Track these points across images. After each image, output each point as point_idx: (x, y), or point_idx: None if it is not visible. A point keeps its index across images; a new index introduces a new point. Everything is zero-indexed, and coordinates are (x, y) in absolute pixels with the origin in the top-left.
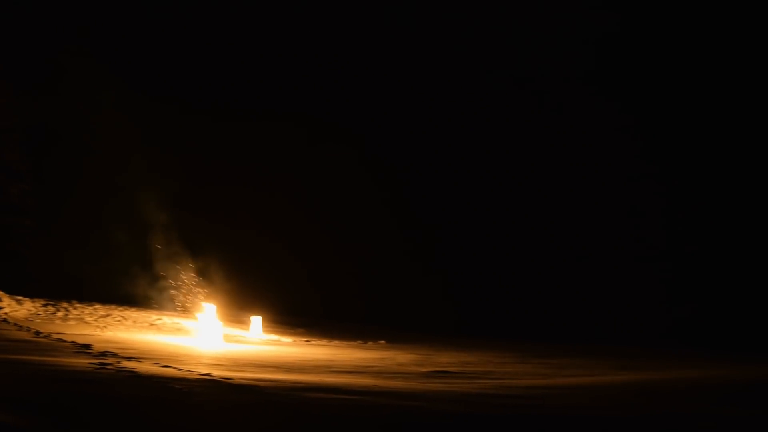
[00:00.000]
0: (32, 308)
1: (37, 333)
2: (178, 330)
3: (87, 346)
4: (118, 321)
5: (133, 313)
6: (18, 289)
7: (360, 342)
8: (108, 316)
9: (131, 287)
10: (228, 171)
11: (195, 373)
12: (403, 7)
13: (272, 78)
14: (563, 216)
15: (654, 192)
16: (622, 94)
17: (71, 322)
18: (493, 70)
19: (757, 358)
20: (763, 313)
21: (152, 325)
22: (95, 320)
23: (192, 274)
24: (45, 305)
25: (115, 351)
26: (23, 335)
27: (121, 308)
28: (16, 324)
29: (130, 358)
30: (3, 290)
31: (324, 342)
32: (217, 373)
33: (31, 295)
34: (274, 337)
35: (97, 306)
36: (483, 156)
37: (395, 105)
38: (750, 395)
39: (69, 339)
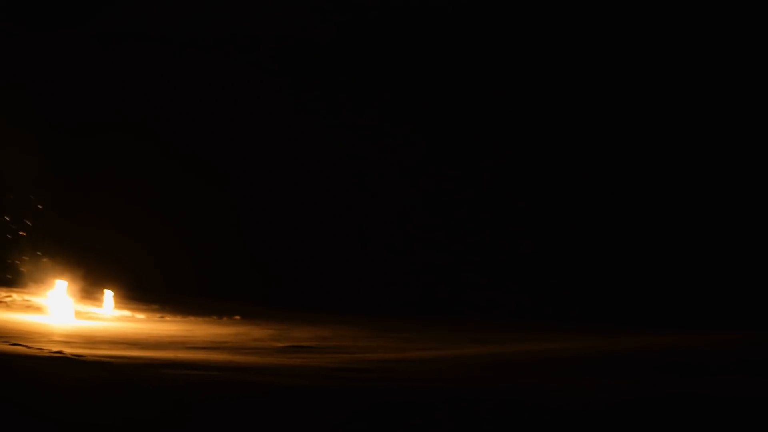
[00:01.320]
0: None
1: None
2: (28, 307)
3: None
4: None
5: None
6: None
7: (215, 317)
8: None
9: None
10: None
11: (45, 351)
12: None
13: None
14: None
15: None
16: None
17: None
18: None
19: (606, 330)
20: (612, 286)
21: (1, 302)
22: None
23: (41, 251)
24: None
25: None
26: None
27: None
28: None
29: None
30: None
31: (178, 318)
32: (69, 350)
33: None
34: (128, 313)
35: None
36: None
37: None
38: (604, 365)
39: None
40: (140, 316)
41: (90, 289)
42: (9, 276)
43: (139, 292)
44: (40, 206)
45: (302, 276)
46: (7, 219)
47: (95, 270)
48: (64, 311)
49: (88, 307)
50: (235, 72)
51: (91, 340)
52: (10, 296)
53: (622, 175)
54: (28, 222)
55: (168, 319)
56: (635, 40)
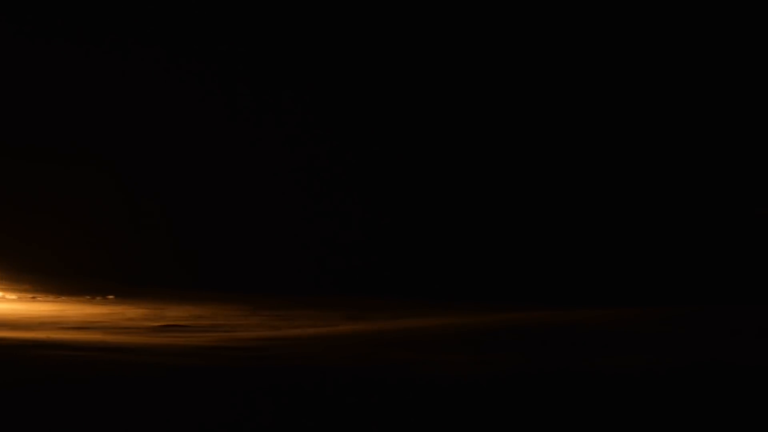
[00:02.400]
0: None
1: None
2: None
3: None
4: None
5: None
6: None
7: (88, 297)
8: None
9: None
10: None
11: None
12: None
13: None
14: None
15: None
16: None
17: None
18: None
19: (479, 307)
20: (484, 264)
21: None
22: None
23: None
24: None
25: None
26: None
27: None
28: None
29: None
30: None
31: (51, 298)
32: None
33: None
34: None
35: None
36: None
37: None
38: (478, 341)
39: None
40: (11, 296)
41: None
42: None
43: (10, 273)
44: None
45: (176, 255)
46: None
47: None
48: None
49: None
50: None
51: None
52: None
53: (494, 149)
54: None
55: (40, 299)
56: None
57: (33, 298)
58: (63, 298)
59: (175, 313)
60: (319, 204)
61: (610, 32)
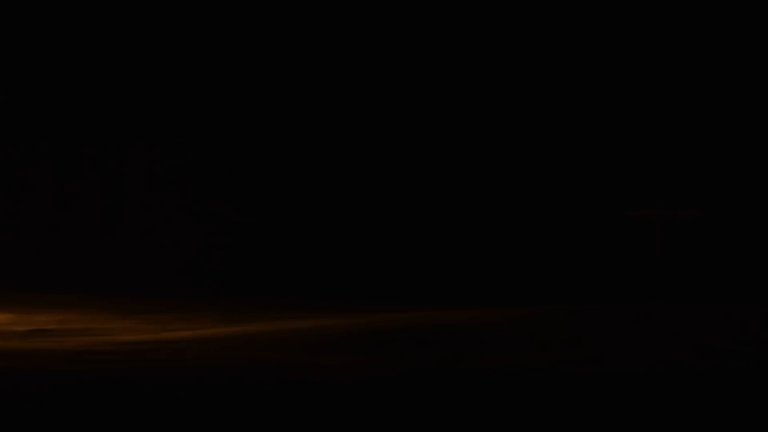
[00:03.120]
0: None
1: None
2: None
3: None
4: None
5: None
6: None
7: None
8: None
9: None
10: None
11: None
12: None
13: None
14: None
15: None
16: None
17: None
18: None
19: (358, 308)
20: (360, 265)
21: None
22: None
23: None
24: None
25: None
26: None
27: None
28: None
29: None
30: None
31: None
32: None
33: None
34: None
35: None
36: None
37: None
38: (360, 342)
39: None
40: None
41: None
42: None
43: None
44: None
45: (44, 258)
46: None
47: None
48: None
49: None
50: None
51: None
52: None
53: (364, 146)
54: None
55: None
56: None
57: None
58: None
59: (43, 317)
60: (190, 205)
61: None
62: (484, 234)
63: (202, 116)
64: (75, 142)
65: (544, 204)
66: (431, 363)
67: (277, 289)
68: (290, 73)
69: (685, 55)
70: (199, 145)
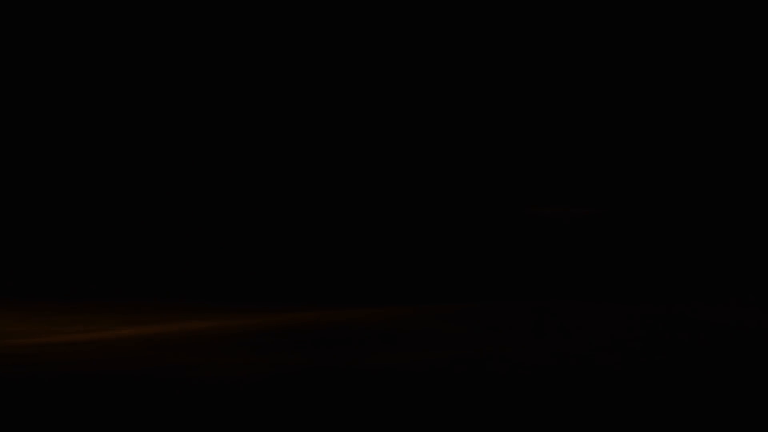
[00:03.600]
0: None
1: None
2: None
3: None
4: None
5: None
6: None
7: None
8: None
9: None
10: None
11: None
12: None
13: None
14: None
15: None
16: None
17: None
18: None
19: (260, 309)
20: (258, 266)
21: None
22: None
23: None
24: None
25: None
26: None
27: None
28: None
29: None
30: None
31: None
32: None
33: None
34: None
35: None
36: None
37: None
38: (255, 342)
39: None
40: None
41: None
42: None
43: None
44: None
45: None
46: None
47: None
48: None
49: None
50: None
51: None
52: None
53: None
54: None
55: None
56: None
57: None
58: None
59: None
60: (87, 207)
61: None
62: (383, 233)
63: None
64: None
65: (444, 203)
66: (324, 363)
67: (181, 291)
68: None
69: (582, 59)
70: (105, 147)
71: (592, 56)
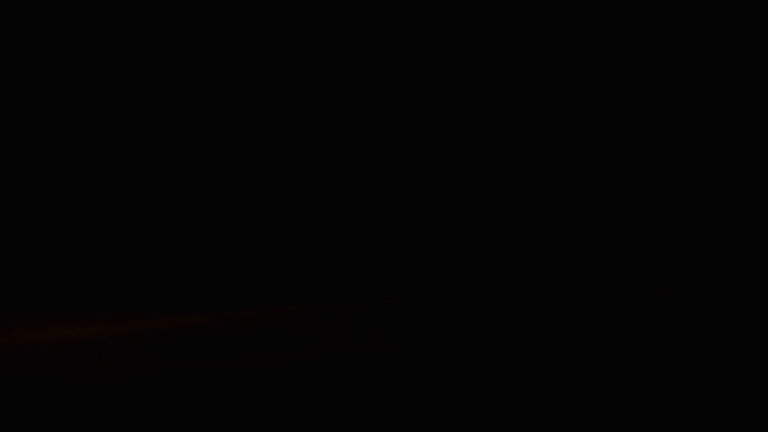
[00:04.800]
0: None
1: None
2: None
3: None
4: None
5: None
6: None
7: None
8: None
9: None
10: None
11: None
12: None
13: None
14: None
15: None
16: None
17: None
18: None
19: (130, 314)
20: (127, 270)
21: None
22: None
23: None
24: None
25: None
26: None
27: None
28: None
29: None
30: None
31: None
32: None
33: None
34: None
35: None
36: None
37: None
38: (131, 347)
39: None
40: None
41: None
42: None
43: None
44: None
45: None
46: None
47: None
48: None
49: None
50: None
51: None
52: None
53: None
54: None
55: None
56: None
57: None
58: None
59: None
60: None
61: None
62: (260, 233)
63: None
64: None
65: (315, 200)
66: (200, 365)
67: (53, 297)
68: None
69: (450, 56)
70: None
71: (460, 53)
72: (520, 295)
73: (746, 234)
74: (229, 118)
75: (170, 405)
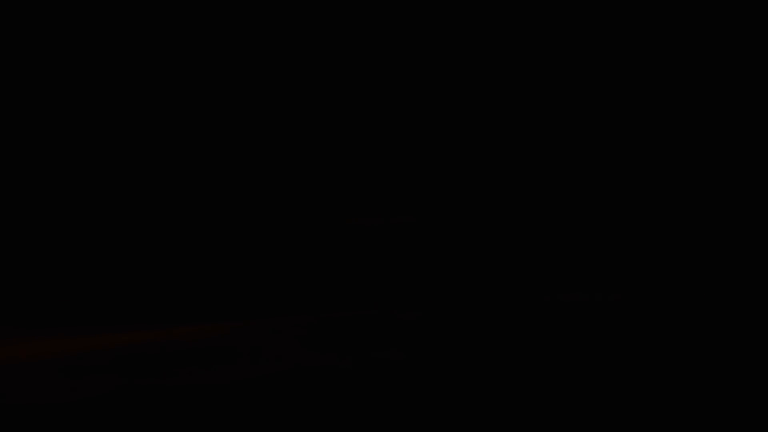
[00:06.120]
0: None
1: None
2: None
3: None
4: None
5: None
6: None
7: None
8: None
9: None
10: None
11: None
12: None
13: None
14: None
15: None
16: None
17: None
18: None
19: (74, 330)
20: (70, 286)
21: None
22: None
23: None
24: None
25: None
26: None
27: None
28: None
29: None
30: None
31: None
32: None
33: None
34: None
35: None
36: None
37: None
38: (78, 365)
39: None
40: None
41: None
42: None
43: None
44: None
45: None
46: None
47: None
48: None
49: None
50: None
51: None
52: None
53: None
54: None
55: None
56: None
57: None
58: None
59: None
60: None
61: None
62: (207, 247)
63: None
64: None
65: (264, 213)
66: (147, 382)
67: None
68: None
69: (400, 70)
70: None
71: (408, 62)
72: (460, 305)
73: (684, 238)
74: (174, 131)
75: (117, 424)
